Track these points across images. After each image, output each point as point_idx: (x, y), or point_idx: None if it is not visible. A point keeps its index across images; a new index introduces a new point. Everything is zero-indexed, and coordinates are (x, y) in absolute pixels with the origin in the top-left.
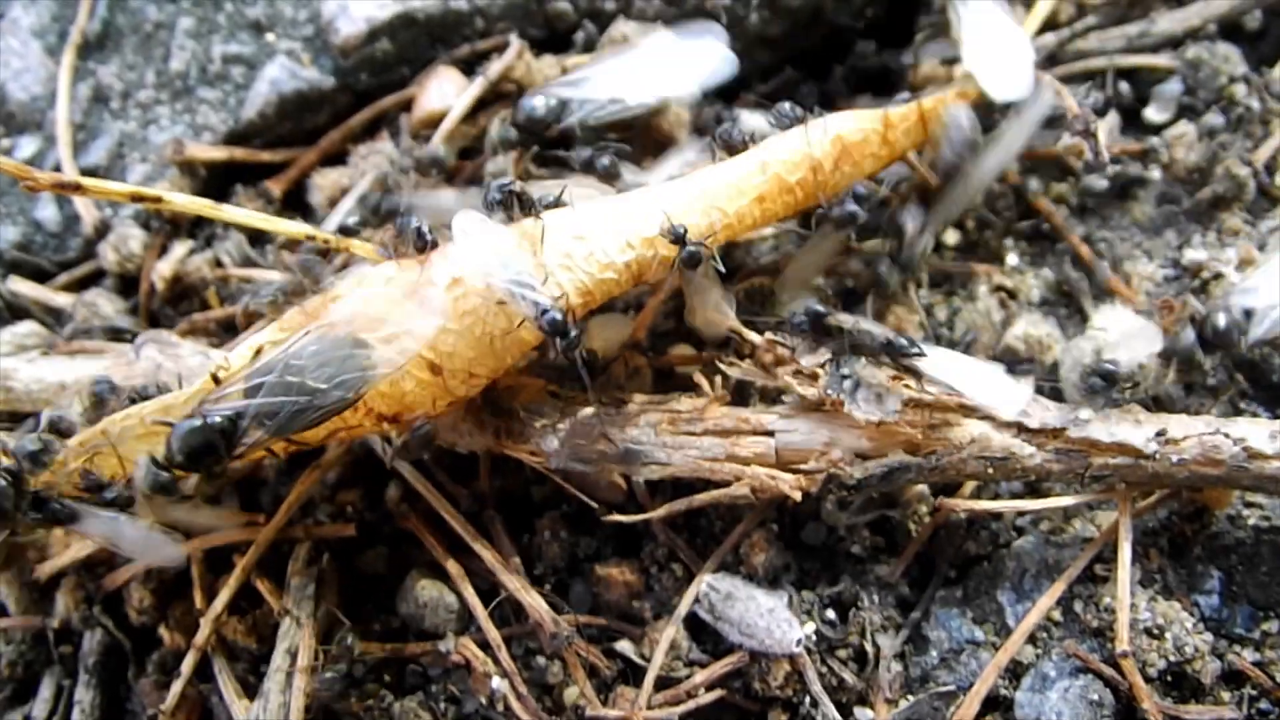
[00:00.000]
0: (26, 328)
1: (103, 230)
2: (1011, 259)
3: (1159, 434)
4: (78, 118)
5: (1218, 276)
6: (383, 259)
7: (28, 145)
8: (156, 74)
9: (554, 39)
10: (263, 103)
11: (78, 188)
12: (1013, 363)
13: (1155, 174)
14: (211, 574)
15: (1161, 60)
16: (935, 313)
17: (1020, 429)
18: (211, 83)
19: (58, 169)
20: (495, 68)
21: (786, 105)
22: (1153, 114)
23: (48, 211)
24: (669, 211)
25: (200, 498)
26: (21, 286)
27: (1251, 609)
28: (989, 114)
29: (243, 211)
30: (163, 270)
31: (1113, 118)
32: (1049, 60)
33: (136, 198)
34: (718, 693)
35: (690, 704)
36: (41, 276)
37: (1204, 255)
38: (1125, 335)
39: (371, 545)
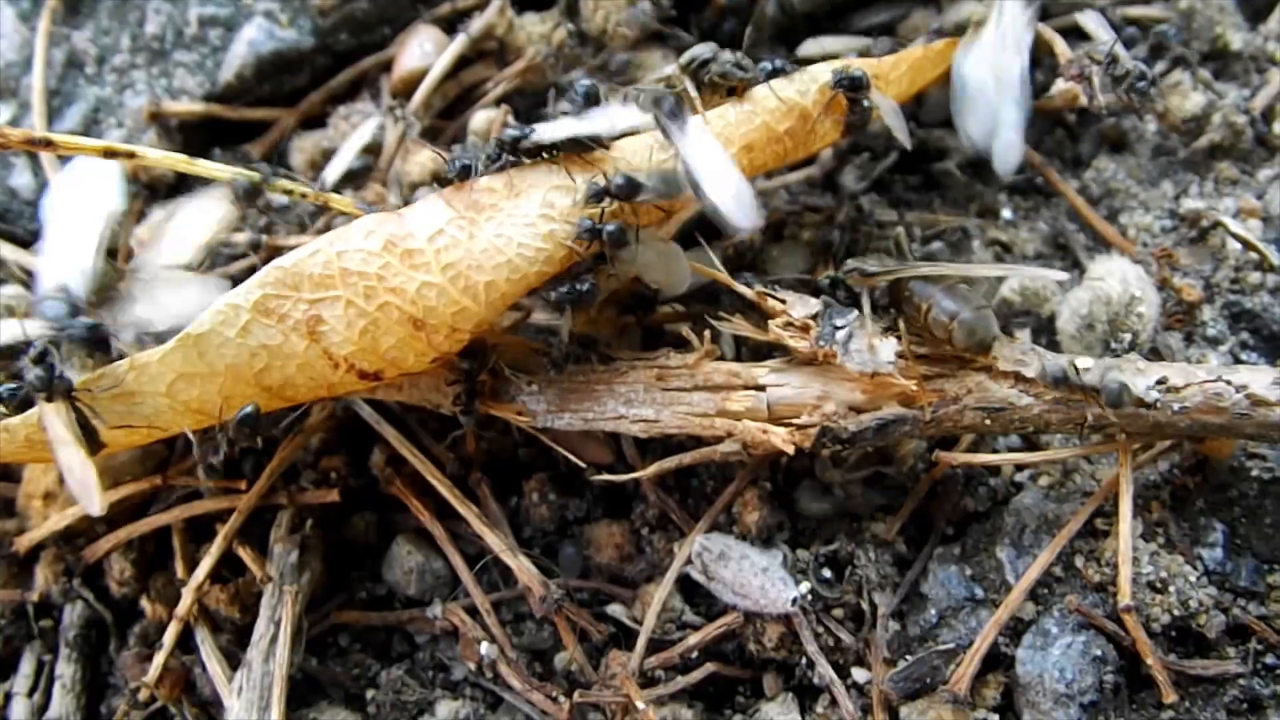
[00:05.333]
0: (10, 290)
1: None
2: (1006, 213)
3: (1160, 382)
4: (52, 84)
5: (1216, 226)
6: (361, 213)
7: (1, 112)
8: (132, 38)
9: None
10: (240, 65)
11: (48, 143)
12: (1009, 315)
13: (1150, 124)
14: (193, 543)
15: (1155, 10)
16: None
17: (1018, 379)
18: (188, 46)
19: None
20: (477, 25)
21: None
22: None
23: (23, 179)
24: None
25: None
26: (3, 249)
27: (1256, 562)
28: None
29: (216, 165)
30: (141, 235)
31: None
32: (1041, 13)
33: (109, 153)
34: (710, 667)
35: (688, 677)
36: (18, 244)
37: (1201, 205)
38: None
39: (357, 511)
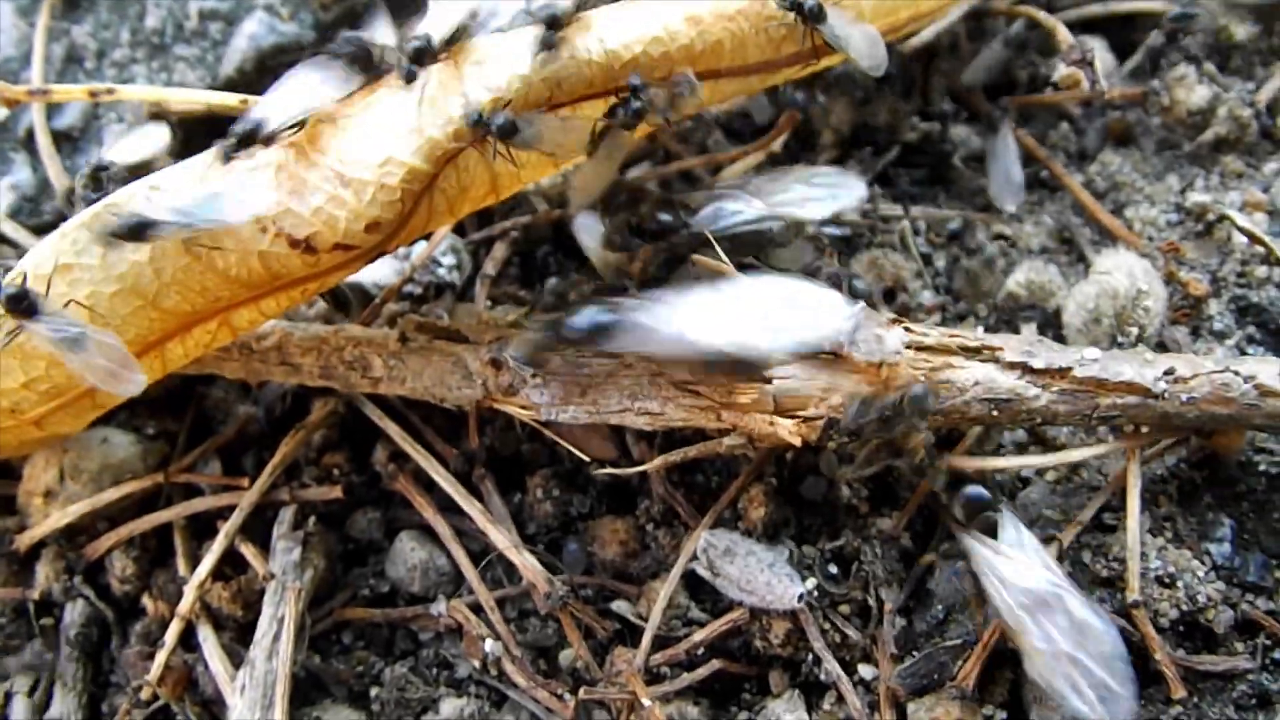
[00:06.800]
0: None
1: (72, 199)
2: (1010, 206)
3: (1167, 372)
4: (51, 78)
5: (1221, 219)
6: None
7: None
8: (132, 32)
9: None
10: (241, 59)
11: (45, 93)
12: (1015, 309)
13: (1155, 118)
14: (195, 540)
15: (1158, 4)
16: (934, 261)
17: (1025, 369)
18: (188, 40)
19: (30, 132)
20: None
21: None
22: None
23: (22, 175)
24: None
25: None
26: (18, 232)
27: (1264, 557)
28: None
29: (190, 92)
30: None
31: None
32: (1046, 6)
33: (92, 93)
34: (716, 664)
35: (694, 674)
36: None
37: (1207, 199)
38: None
39: (360, 508)
